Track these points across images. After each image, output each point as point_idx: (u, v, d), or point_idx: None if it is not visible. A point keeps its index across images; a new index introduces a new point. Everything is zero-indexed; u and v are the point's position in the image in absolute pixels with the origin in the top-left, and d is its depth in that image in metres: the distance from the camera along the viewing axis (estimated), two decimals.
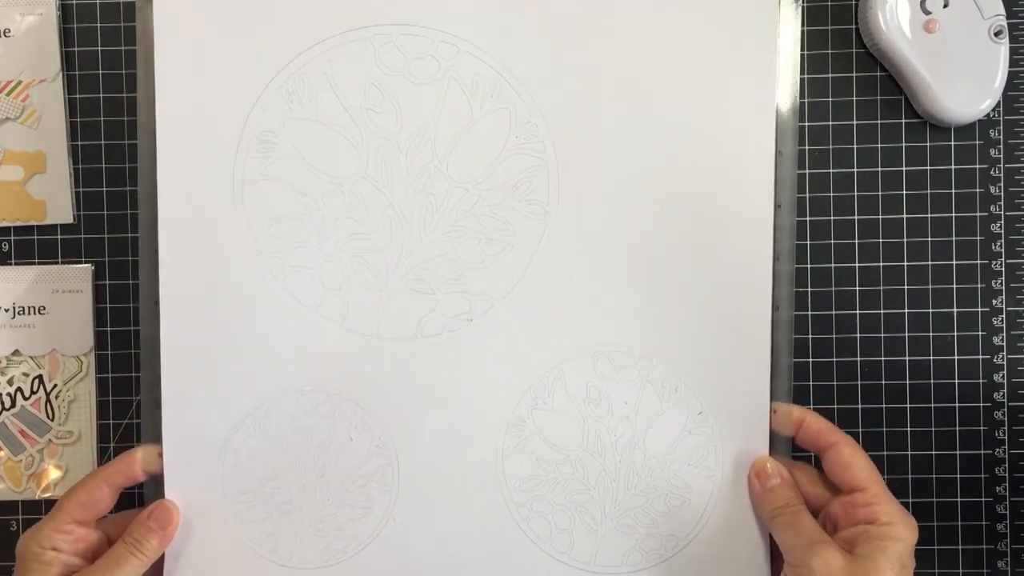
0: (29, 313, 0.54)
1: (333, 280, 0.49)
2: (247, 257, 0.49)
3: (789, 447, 0.49)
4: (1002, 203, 0.53)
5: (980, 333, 0.53)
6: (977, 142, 0.53)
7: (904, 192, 0.53)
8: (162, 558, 0.49)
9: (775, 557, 0.48)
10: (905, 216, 0.53)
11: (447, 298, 0.49)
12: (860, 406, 0.53)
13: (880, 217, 0.53)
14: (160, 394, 0.49)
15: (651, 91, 0.48)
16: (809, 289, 0.53)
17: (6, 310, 0.54)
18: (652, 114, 0.48)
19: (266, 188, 0.49)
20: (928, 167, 0.53)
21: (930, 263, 0.53)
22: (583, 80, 0.48)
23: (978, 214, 0.53)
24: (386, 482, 0.49)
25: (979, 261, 0.53)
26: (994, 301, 0.53)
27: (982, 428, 0.53)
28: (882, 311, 0.53)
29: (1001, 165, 0.53)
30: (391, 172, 0.49)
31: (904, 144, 0.53)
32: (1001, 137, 0.53)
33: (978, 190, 0.53)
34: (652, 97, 0.48)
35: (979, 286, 0.53)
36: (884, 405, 0.53)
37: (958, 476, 0.53)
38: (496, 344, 0.49)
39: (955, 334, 0.53)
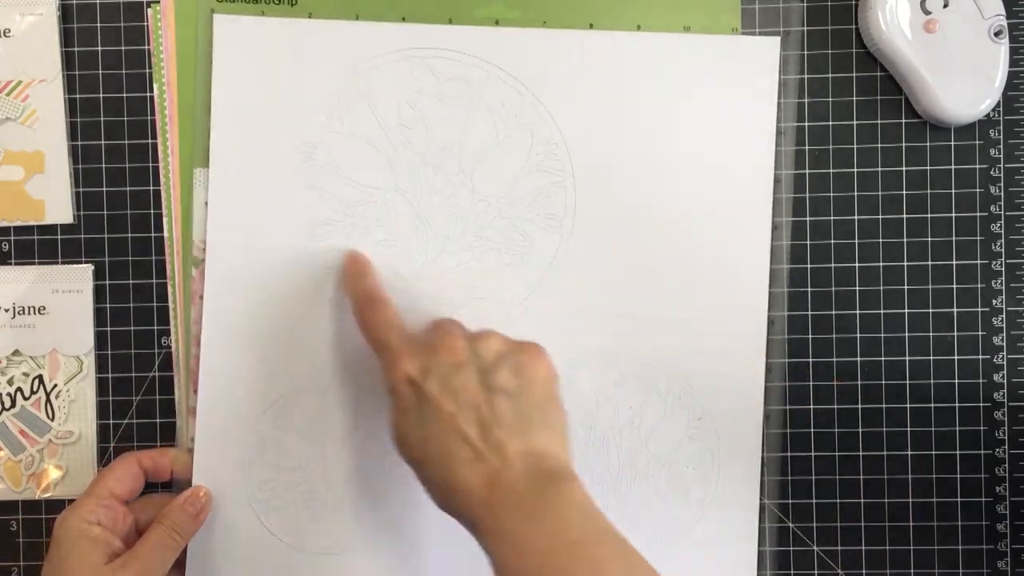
0: (29, 313, 0.54)
1: None
2: (285, 259, 0.51)
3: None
4: (1002, 203, 0.53)
5: (980, 333, 0.53)
6: (977, 142, 0.53)
7: (904, 192, 0.53)
8: None
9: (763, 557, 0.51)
10: (905, 216, 0.53)
11: (467, 303, 0.51)
12: (860, 406, 0.53)
13: (880, 217, 0.53)
14: (198, 385, 0.51)
15: (662, 116, 0.52)
16: (809, 289, 0.53)
17: (6, 310, 0.54)
18: (662, 138, 0.52)
19: (305, 196, 0.51)
20: (928, 167, 0.53)
21: (930, 263, 0.53)
22: (601, 105, 0.52)
23: (978, 214, 0.53)
24: (404, 473, 0.51)
25: (979, 261, 0.53)
26: (994, 301, 0.53)
27: (982, 428, 0.53)
28: (882, 311, 0.53)
29: (1001, 165, 0.53)
30: (419, 184, 0.51)
31: (904, 144, 0.53)
32: (1001, 137, 0.53)
33: (978, 190, 0.53)
34: (663, 122, 0.52)
35: (979, 286, 0.53)
36: (884, 405, 0.53)
37: (958, 476, 0.53)
38: None
39: (955, 334, 0.53)
